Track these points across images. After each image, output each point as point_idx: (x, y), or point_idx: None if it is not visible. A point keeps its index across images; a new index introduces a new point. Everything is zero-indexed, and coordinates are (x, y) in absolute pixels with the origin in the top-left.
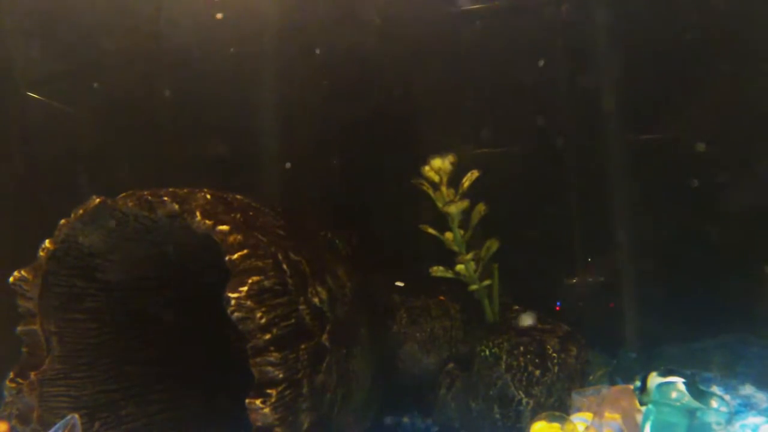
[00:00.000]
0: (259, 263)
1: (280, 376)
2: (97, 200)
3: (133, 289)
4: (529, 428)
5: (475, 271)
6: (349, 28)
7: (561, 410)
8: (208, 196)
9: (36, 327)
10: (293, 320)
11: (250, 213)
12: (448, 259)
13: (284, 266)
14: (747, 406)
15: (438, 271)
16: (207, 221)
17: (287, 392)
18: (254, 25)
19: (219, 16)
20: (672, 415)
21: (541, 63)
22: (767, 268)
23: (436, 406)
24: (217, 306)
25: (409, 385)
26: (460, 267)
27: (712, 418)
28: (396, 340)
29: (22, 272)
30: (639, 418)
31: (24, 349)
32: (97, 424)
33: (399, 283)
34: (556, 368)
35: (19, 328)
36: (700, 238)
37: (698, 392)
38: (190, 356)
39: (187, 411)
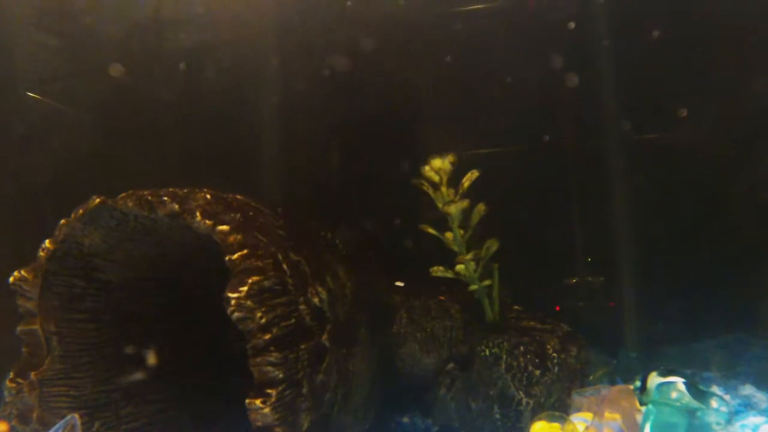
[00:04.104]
0: (259, 263)
1: (280, 376)
2: (97, 200)
3: (133, 289)
4: (529, 428)
5: (475, 271)
6: (349, 28)
7: (561, 410)
8: (208, 196)
9: (36, 327)
10: (293, 320)
11: (250, 213)
12: (448, 259)
13: (284, 266)
14: (747, 406)
15: (438, 271)
16: (207, 221)
17: (287, 392)
18: (254, 25)
19: (219, 15)
20: (672, 415)
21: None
22: None
23: (436, 406)
24: (217, 306)
25: (409, 385)
26: (460, 267)
27: (712, 418)
28: (396, 340)
29: (22, 272)
30: (639, 418)
31: (24, 349)
32: (97, 424)
33: (399, 283)
34: (556, 368)
35: (19, 328)
36: (700, 238)
37: (698, 392)
38: (190, 356)
39: (187, 411)
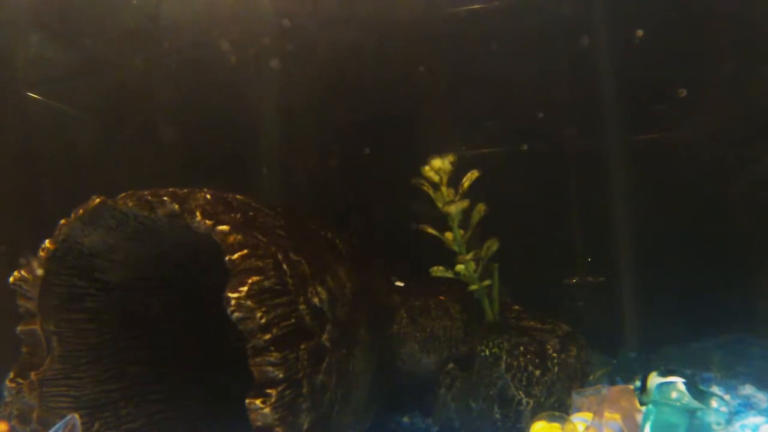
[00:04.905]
0: (259, 263)
1: (280, 376)
2: (97, 200)
3: (133, 289)
4: (529, 428)
5: (475, 271)
6: (349, 28)
7: (561, 410)
8: (208, 196)
9: (36, 327)
10: (293, 320)
11: (250, 213)
12: (449, 259)
13: (284, 266)
14: (747, 406)
15: (438, 271)
16: (207, 221)
17: (287, 392)
18: (254, 25)
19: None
20: (672, 415)
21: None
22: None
23: (436, 406)
24: (217, 306)
25: (409, 385)
26: (460, 267)
27: (712, 418)
28: (396, 340)
29: (22, 272)
30: (639, 418)
31: (24, 349)
32: (97, 424)
33: (399, 283)
34: (556, 368)
35: (19, 328)
36: (700, 237)
37: (698, 392)
38: (190, 356)
39: (187, 411)
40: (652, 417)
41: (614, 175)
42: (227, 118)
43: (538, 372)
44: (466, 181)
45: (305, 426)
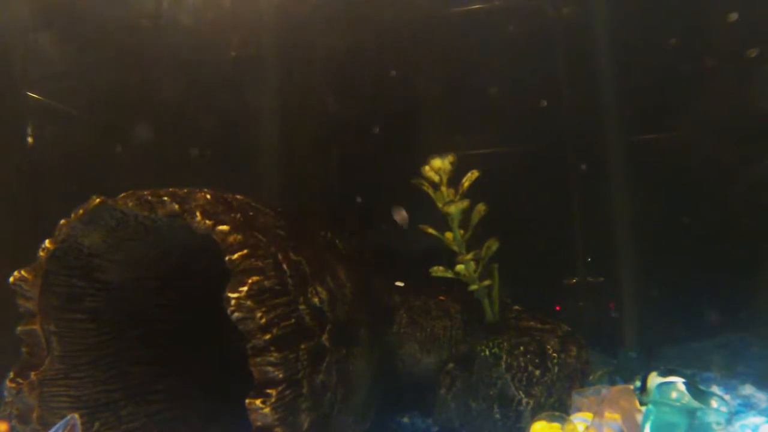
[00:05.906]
0: (259, 263)
1: (280, 376)
2: (97, 200)
3: (133, 289)
4: (529, 428)
5: (475, 271)
6: (349, 28)
7: (561, 410)
8: (208, 196)
9: (36, 327)
10: (293, 320)
11: (250, 213)
12: (449, 259)
13: (284, 266)
14: (747, 406)
15: (438, 271)
16: (207, 221)
17: (287, 392)
18: (254, 25)
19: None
20: (672, 415)
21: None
22: None
23: (436, 406)
24: (218, 306)
25: (409, 385)
26: (460, 267)
27: (712, 418)
28: (396, 340)
29: (22, 272)
30: (639, 418)
31: (24, 349)
32: (97, 424)
33: (399, 283)
34: (556, 368)
35: (19, 328)
36: (700, 237)
37: (698, 392)
38: (190, 356)
39: (187, 411)
40: (652, 417)
41: (614, 175)
42: (227, 117)
43: (538, 372)
44: (466, 181)
45: (305, 426)
